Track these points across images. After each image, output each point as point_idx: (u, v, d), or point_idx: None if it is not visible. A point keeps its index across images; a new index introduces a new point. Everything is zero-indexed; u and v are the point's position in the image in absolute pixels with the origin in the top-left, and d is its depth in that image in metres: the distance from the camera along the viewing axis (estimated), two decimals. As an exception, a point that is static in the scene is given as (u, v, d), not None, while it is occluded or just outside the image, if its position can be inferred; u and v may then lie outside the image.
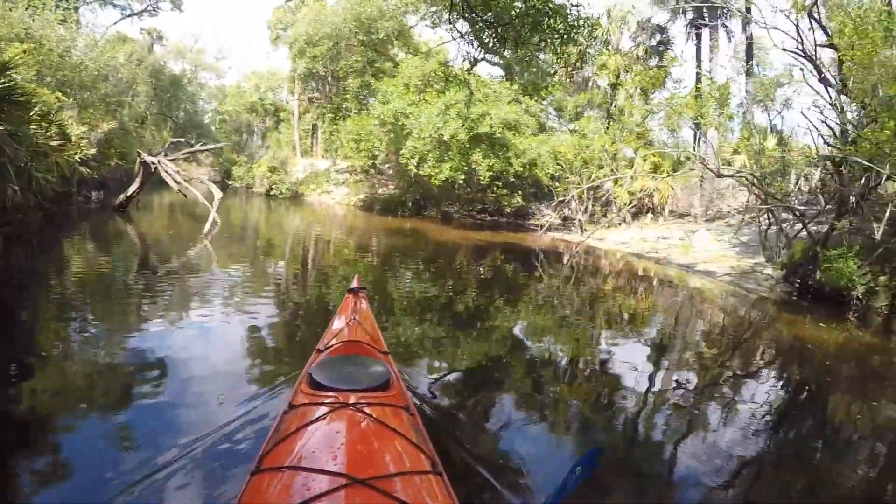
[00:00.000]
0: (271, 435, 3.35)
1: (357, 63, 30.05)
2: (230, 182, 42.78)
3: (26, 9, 21.49)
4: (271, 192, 35.58)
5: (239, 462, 4.02)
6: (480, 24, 9.58)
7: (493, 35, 9.60)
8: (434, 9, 28.43)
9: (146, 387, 5.44)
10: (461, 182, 23.24)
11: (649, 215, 22.17)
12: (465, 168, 22.39)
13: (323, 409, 3.31)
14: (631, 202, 21.63)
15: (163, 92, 43.82)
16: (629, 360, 7.88)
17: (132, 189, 19.83)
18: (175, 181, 18.50)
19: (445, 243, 19.10)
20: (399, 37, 30.23)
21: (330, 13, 29.77)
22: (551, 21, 9.05)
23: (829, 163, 14.13)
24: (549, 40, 9.35)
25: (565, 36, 9.24)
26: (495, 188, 23.92)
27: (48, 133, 15.89)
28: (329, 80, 35.23)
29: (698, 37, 28.09)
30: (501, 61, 28.35)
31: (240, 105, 47.96)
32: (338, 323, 5.07)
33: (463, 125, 21.56)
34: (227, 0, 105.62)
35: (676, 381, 7.45)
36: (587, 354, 8.33)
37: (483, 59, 28.89)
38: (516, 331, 9.49)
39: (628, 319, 10.87)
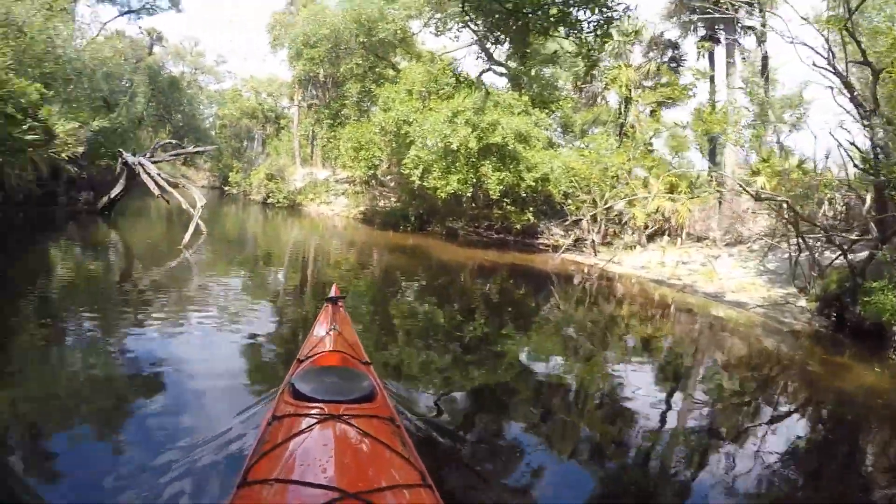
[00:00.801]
0: (255, 446, 3.30)
1: (357, 67, 28.58)
2: (227, 188, 42.15)
3: None
4: (268, 201, 34.44)
5: (222, 474, 3.91)
6: (500, 15, 8.54)
7: (514, 25, 8.54)
8: (438, 15, 27.28)
9: (131, 398, 5.36)
10: (468, 196, 21.86)
11: (665, 238, 20.81)
12: (474, 181, 20.89)
13: (309, 421, 3.24)
14: (647, 224, 20.42)
15: (160, 94, 42.76)
16: (650, 394, 7.20)
17: (115, 191, 19.13)
18: (157, 185, 17.36)
19: (449, 262, 17.82)
20: (401, 43, 28.87)
21: (330, 14, 28.30)
22: (581, 12, 8.02)
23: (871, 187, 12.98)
24: (578, 31, 8.26)
25: (600, 29, 8.14)
26: (504, 204, 22.49)
27: (24, 128, 14.78)
28: (329, 85, 34.06)
29: (711, 54, 26.95)
30: (507, 72, 27.15)
31: (238, 110, 47.01)
32: (317, 333, 5.02)
33: (472, 133, 19.96)
34: (227, 3, 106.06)
35: (699, 416, 6.80)
36: (601, 385, 7.61)
37: (489, 69, 27.84)
38: (521, 355, 8.71)
39: (650, 352, 9.82)
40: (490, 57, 27.66)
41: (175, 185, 17.49)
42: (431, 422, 5.28)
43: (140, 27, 46.09)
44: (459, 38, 27.83)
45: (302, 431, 3.15)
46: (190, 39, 54.11)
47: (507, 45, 26.88)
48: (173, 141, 27.85)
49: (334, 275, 14.09)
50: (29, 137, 14.85)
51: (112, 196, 19.24)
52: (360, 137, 24.23)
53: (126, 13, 40.82)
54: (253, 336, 7.62)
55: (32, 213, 17.30)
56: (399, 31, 27.72)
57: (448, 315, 10.61)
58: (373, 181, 28.64)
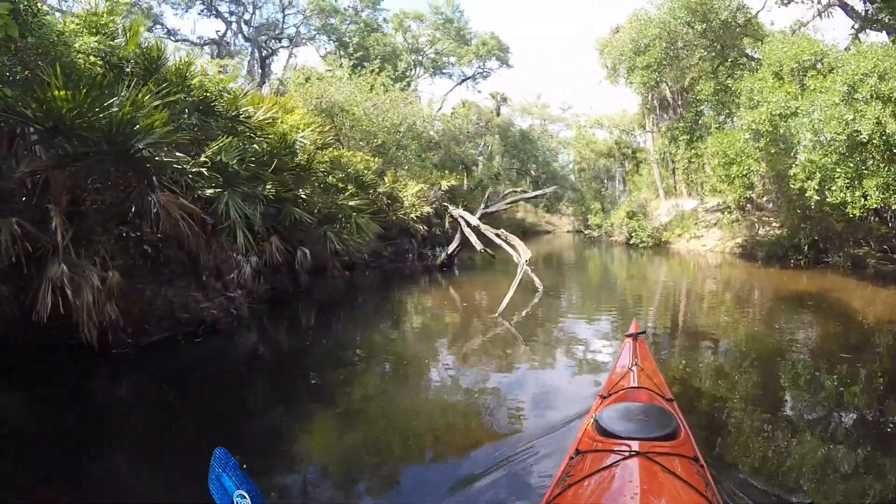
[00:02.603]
0: (558, 479, 3.47)
1: (703, 63, 23.83)
2: (587, 231, 41.97)
3: (320, 78, 23.06)
4: (631, 241, 31.44)
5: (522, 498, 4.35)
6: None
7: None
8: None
9: (451, 425, 6.25)
10: (873, 210, 15.36)
11: None
12: None
13: (614, 457, 3.30)
14: None
15: (513, 148, 44.77)
16: None
17: (452, 246, 19.68)
18: (478, 237, 17.20)
19: (850, 307, 12.65)
20: (746, 26, 23.17)
21: (655, 17, 23.87)
22: None
23: None
24: None
25: None
26: None
27: (346, 195, 14.95)
28: (678, 102, 30.23)
29: None
30: (879, 25, 20.59)
31: (592, 151, 46.49)
32: (619, 369, 5.07)
33: (888, 110, 13.42)
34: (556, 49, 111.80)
35: None
36: None
37: (859, 29, 21.45)
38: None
39: None
40: (856, 14, 21.45)
41: (504, 238, 15.88)
42: (740, 469, 4.84)
43: (479, 91, 50.03)
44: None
45: (607, 467, 3.21)
46: (532, 94, 57.06)
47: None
48: (518, 189, 27.63)
49: (707, 326, 11.86)
50: (353, 203, 14.40)
51: (450, 251, 19.76)
52: (728, 148, 18.94)
53: (462, 81, 47.47)
54: (566, 375, 8.17)
55: (385, 270, 19.48)
56: (738, 11, 22.57)
57: (835, 382, 7.63)
58: (748, 205, 23.63)
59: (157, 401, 7.07)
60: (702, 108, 25.39)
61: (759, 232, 23.56)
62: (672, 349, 9.71)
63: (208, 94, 10.32)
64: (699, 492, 3.05)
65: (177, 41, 35.98)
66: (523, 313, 12.17)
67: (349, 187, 15.45)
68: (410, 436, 5.91)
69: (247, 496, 2.79)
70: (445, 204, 20.79)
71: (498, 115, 46.56)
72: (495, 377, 7.90)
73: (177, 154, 8.82)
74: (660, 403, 4.24)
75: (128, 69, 9.13)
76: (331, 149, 16.08)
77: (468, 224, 17.29)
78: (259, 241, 11.70)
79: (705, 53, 23.30)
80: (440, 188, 24.04)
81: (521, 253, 13.68)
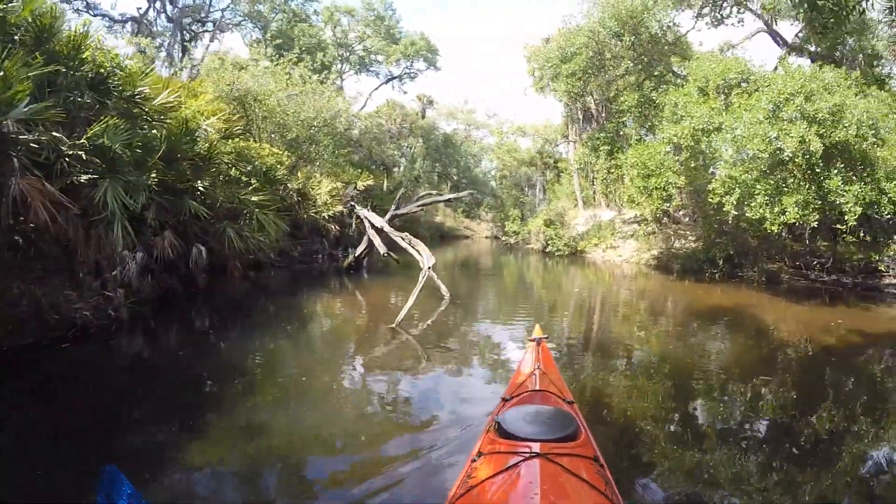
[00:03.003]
0: (460, 481, 3.48)
1: (629, 74, 23.91)
2: (504, 238, 41.22)
3: (235, 65, 22.73)
4: (547, 249, 31.08)
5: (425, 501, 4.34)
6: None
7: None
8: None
9: (350, 428, 6.09)
10: (814, 226, 15.38)
11: None
12: (819, 202, 14.24)
13: (514, 459, 3.34)
14: None
15: (435, 151, 44.49)
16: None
17: (360, 248, 18.57)
18: (382, 239, 16.69)
19: (767, 323, 12.42)
20: (675, 46, 23.49)
21: (584, 26, 23.83)
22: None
23: None
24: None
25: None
26: (840, 233, 16.27)
27: (249, 189, 13.78)
28: (603, 114, 30.18)
29: None
30: (807, 53, 21.27)
31: (514, 159, 46.74)
32: (522, 373, 5.13)
33: (811, 129, 13.60)
34: (487, 56, 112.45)
35: None
36: None
37: (786, 54, 22.06)
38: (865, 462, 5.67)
39: None
40: (783, 41, 22.17)
41: (404, 240, 15.65)
42: (638, 464, 5.15)
43: (405, 91, 51.33)
44: (743, 23, 22.75)
45: (507, 469, 3.24)
46: (459, 98, 58.93)
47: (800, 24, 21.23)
48: (433, 192, 27.31)
49: (616, 335, 11.88)
50: (257, 198, 13.48)
51: (357, 254, 18.61)
52: (648, 161, 18.85)
53: (388, 81, 46.74)
54: (471, 381, 8.09)
55: (294, 270, 18.57)
56: (668, 30, 22.74)
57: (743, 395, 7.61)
58: (665, 218, 23.71)
59: (19, 415, 6.20)
60: (624, 119, 25.38)
61: (675, 245, 23.51)
62: (581, 355, 9.66)
63: (101, 71, 9.50)
64: (599, 490, 3.14)
65: (95, 16, 33.96)
66: (429, 321, 11.67)
67: (253, 181, 14.50)
68: (311, 444, 5.78)
69: None
70: (353, 203, 20.04)
71: (423, 117, 46.24)
72: (397, 385, 7.72)
73: (54, 135, 7.92)
74: (561, 406, 4.30)
75: (16, 37, 8.41)
76: (238, 139, 15.27)
77: (373, 226, 16.73)
78: (151, 235, 10.86)
79: (632, 66, 23.29)
80: (356, 187, 23.34)
81: (426, 258, 13.04)
